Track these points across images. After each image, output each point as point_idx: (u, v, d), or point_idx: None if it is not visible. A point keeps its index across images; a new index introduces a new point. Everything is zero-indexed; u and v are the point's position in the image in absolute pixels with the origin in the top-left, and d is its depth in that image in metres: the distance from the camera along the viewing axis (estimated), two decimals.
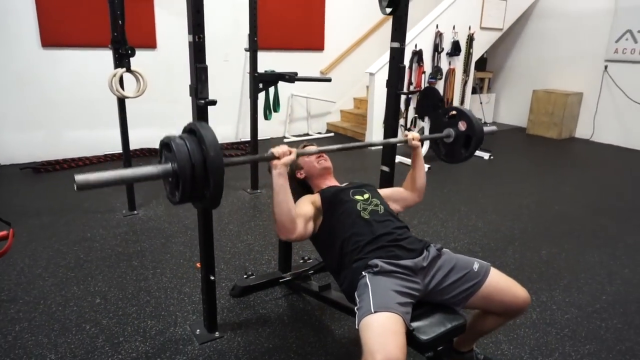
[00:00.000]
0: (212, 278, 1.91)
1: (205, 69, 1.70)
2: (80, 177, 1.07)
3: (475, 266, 1.58)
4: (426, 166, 4.56)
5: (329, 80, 3.69)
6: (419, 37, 5.56)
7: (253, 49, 3.54)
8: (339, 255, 1.66)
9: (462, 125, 2.01)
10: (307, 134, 6.35)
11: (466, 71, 6.20)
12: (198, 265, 2.53)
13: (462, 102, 6.38)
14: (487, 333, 1.74)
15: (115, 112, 3.15)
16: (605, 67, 6.18)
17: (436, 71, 5.88)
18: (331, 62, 6.37)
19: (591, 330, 2.16)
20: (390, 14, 2.13)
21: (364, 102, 6.66)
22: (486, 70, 7.46)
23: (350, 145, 1.80)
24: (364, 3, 6.40)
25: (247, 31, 3.51)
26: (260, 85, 3.65)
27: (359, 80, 6.66)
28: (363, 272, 1.53)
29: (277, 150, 1.50)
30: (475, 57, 6.29)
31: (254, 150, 3.85)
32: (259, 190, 3.95)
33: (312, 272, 2.36)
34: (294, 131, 6.29)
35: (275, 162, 1.50)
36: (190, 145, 1.19)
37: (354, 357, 1.92)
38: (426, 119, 5.02)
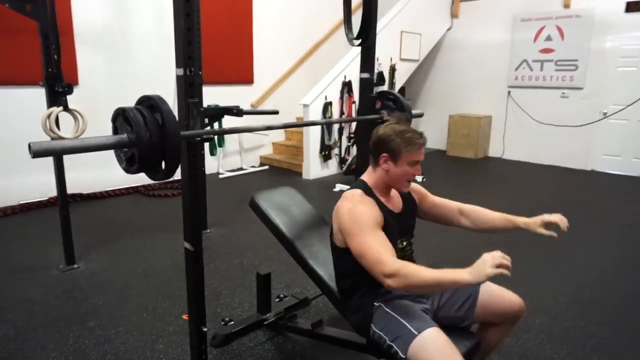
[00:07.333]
0: (205, 329, 1.74)
1: (198, 103, 1.60)
2: (35, 143, 1.09)
3: None
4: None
5: (277, 112, 3.63)
6: (347, 68, 5.80)
7: (198, 83, 3.42)
8: (360, 278, 1.53)
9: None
10: (241, 168, 6.21)
11: None
12: (185, 317, 2.30)
13: None
14: (493, 348, 1.77)
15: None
16: (509, 92, 6.93)
17: None
18: (261, 94, 6.37)
19: (564, 331, 2.32)
20: (359, 45, 2.19)
21: (295, 134, 6.72)
22: (405, 97, 7.94)
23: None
24: (290, 37, 6.56)
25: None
26: (206, 121, 3.52)
27: (290, 111, 6.69)
28: (375, 303, 1.50)
29: (503, 261, 1.24)
30: (398, 85, 6.69)
31: (202, 191, 3.65)
32: (208, 230, 3.75)
33: (296, 310, 2.26)
34: (228, 166, 6.11)
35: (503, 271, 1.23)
36: (145, 113, 1.24)
37: None
38: None
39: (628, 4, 5.83)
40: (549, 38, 6.50)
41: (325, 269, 1.82)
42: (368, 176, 1.65)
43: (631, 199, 5.03)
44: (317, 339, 2.04)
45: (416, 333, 1.32)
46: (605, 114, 6.13)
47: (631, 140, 6.02)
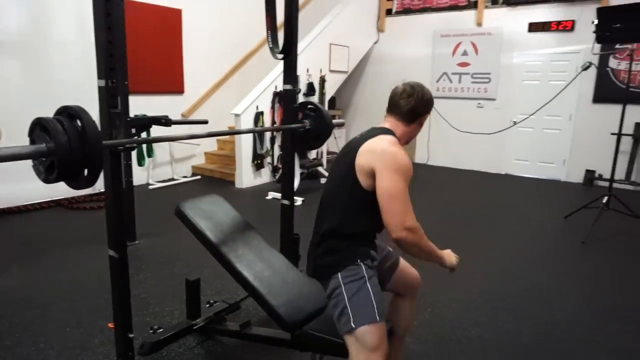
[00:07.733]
0: (131, 336, 1.76)
1: (120, 114, 1.63)
2: None
3: (390, 249, 1.80)
4: (299, 199, 4.90)
5: (206, 122, 3.67)
6: (278, 79, 5.92)
7: (124, 93, 3.38)
8: (362, 226, 1.57)
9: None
10: (172, 179, 6.10)
11: None
12: (110, 325, 2.26)
13: None
14: (406, 328, 1.87)
15: None
16: None
17: None
18: (192, 104, 6.32)
19: (473, 318, 2.57)
20: (282, 59, 2.32)
21: (227, 143, 6.72)
22: (335, 108, 8.24)
23: None
24: (220, 48, 6.59)
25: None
26: (133, 131, 3.48)
27: (221, 121, 6.70)
28: (359, 260, 1.55)
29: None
30: (328, 96, 6.93)
31: (130, 201, 3.60)
32: (137, 242, 3.68)
33: (226, 314, 2.32)
34: (158, 177, 5.98)
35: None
36: (65, 122, 1.22)
37: None
38: (295, 155, 5.32)
39: (530, 24, 6.50)
40: (465, 53, 7.07)
41: (250, 271, 1.90)
42: (396, 128, 1.63)
43: (538, 199, 5.58)
44: (246, 339, 2.11)
45: (378, 319, 1.44)
46: (515, 122, 6.75)
47: (536, 146, 6.69)
